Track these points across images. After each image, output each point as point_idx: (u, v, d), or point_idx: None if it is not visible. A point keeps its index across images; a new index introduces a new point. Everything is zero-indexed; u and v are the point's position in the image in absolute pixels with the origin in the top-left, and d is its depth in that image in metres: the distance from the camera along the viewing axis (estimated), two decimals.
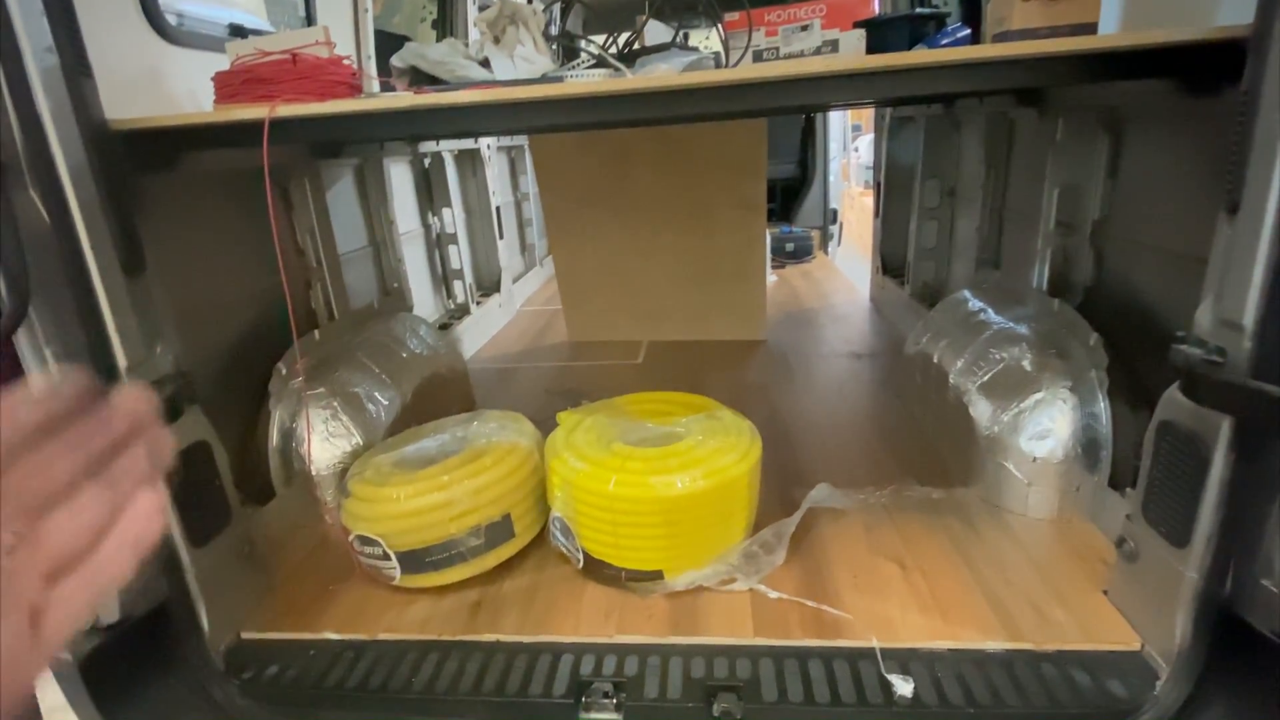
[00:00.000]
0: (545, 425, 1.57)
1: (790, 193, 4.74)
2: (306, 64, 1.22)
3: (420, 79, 1.26)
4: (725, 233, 2.72)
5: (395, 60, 1.27)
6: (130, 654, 1.14)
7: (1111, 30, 1.23)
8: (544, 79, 1.20)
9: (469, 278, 3.03)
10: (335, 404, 1.65)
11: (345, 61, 1.33)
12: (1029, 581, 1.29)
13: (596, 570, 1.33)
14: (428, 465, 1.40)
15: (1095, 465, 1.42)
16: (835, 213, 4.61)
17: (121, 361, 1.09)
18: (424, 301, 2.74)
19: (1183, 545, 1.03)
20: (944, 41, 1.25)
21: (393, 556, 1.31)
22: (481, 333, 3.12)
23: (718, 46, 1.51)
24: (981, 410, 1.54)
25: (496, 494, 1.36)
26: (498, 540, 1.37)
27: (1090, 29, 1.03)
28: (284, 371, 1.63)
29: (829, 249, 4.68)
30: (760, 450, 1.36)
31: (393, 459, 1.45)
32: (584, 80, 1.12)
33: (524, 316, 3.57)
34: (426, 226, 2.82)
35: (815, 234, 4.52)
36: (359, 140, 2.08)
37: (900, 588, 1.28)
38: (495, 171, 3.40)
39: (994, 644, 1.14)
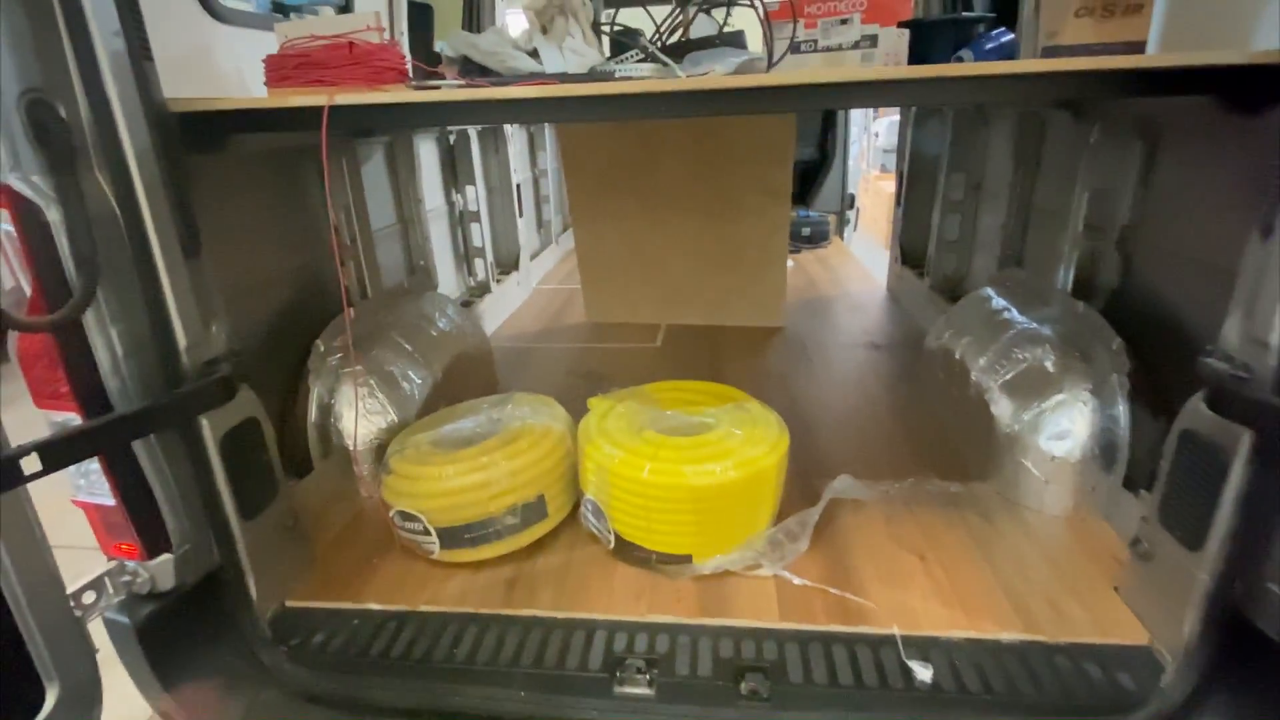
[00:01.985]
0: (569, 407, 1.61)
1: (809, 176, 4.72)
2: (360, 50, 1.24)
3: (470, 68, 1.27)
4: (748, 219, 2.74)
5: (445, 49, 1.29)
6: (183, 620, 1.20)
7: (1151, 44, 1.24)
8: (593, 73, 1.22)
9: (490, 256, 3.05)
10: (372, 382, 1.69)
11: (392, 45, 1.34)
12: (1044, 576, 1.34)
13: (627, 552, 1.38)
14: (465, 446, 1.44)
15: (1112, 466, 1.46)
16: (852, 198, 4.60)
17: (181, 341, 1.12)
18: (446, 279, 2.77)
19: (1196, 549, 1.08)
20: (988, 46, 1.26)
21: (433, 532, 1.37)
22: (500, 311, 3.15)
23: (751, 24, 1.51)
24: (1003, 408, 1.58)
25: (532, 475, 1.40)
26: (532, 519, 1.42)
27: (1140, 47, 1.04)
28: (322, 348, 1.67)
29: (845, 235, 4.68)
30: (787, 443, 1.40)
31: (431, 438, 1.49)
32: (638, 80, 1.14)
33: (541, 295, 3.60)
34: (450, 204, 2.84)
35: (831, 219, 4.52)
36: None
37: (921, 579, 1.33)
38: (516, 148, 3.40)
39: (1010, 635, 1.20)
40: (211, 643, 1.25)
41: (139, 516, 1.14)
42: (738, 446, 1.35)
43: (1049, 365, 1.54)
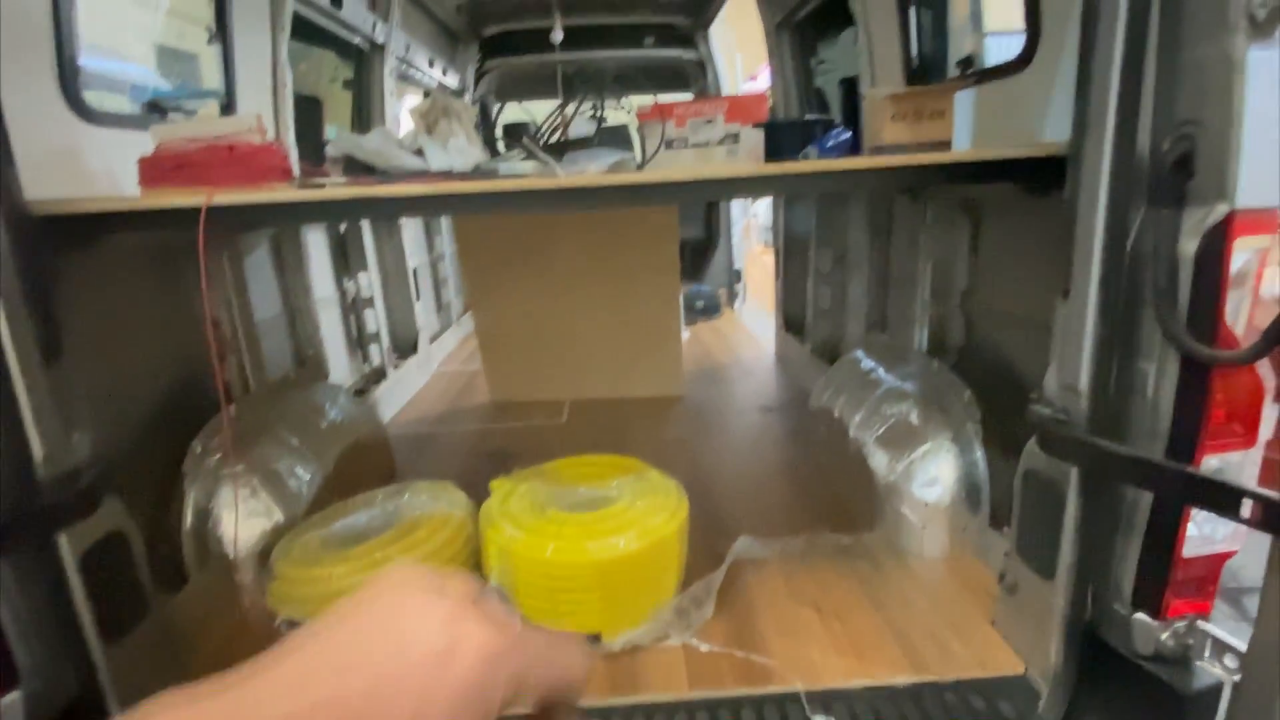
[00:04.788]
0: (473, 490, 1.60)
1: (698, 253, 5.01)
2: (240, 152, 1.25)
3: (355, 167, 1.31)
4: (642, 295, 2.86)
5: (330, 149, 1.33)
6: None
7: (965, 138, 1.46)
8: (477, 170, 1.29)
9: (385, 341, 3.01)
10: (254, 481, 1.60)
11: (275, 145, 1.36)
12: (929, 617, 1.43)
13: None
14: (359, 542, 1.40)
15: (977, 507, 1.61)
16: (739, 273, 4.92)
17: (37, 452, 1.05)
18: (339, 367, 2.70)
19: (1050, 577, 1.20)
20: (829, 143, 1.44)
21: None
22: (400, 396, 3.08)
23: (628, 117, 1.65)
24: (879, 461, 1.71)
25: (431, 567, 1.36)
26: None
27: (946, 145, 1.24)
28: (199, 449, 1.58)
29: (735, 306, 4.95)
30: (687, 508, 1.45)
31: (321, 536, 1.43)
32: (519, 177, 1.21)
33: (443, 377, 3.55)
34: (342, 291, 2.80)
35: (722, 292, 4.79)
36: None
37: (819, 631, 1.39)
38: (411, 233, 3.41)
39: (903, 679, 1.26)
40: None
41: None
42: (639, 517, 1.38)
43: (914, 419, 1.69)
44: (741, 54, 4.46)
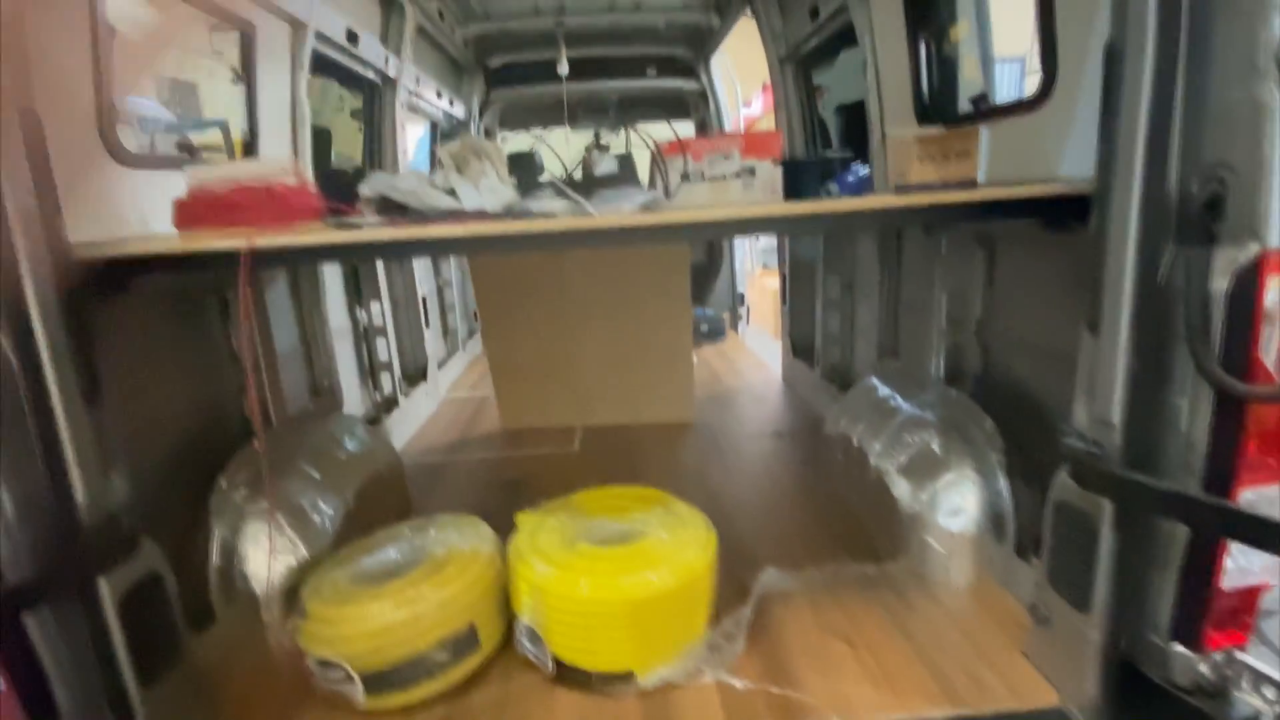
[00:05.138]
0: (491, 521, 1.59)
1: (702, 277, 5.06)
2: (278, 192, 1.27)
3: (389, 207, 1.33)
4: (653, 321, 2.88)
5: (364, 189, 1.34)
6: None
7: (980, 173, 1.49)
8: (510, 210, 1.31)
9: (397, 369, 3.01)
10: (280, 517, 1.60)
11: (308, 186, 1.38)
12: (959, 647, 1.43)
13: (567, 675, 1.35)
14: (388, 579, 1.39)
15: (1002, 536, 1.61)
16: (742, 296, 4.96)
17: (80, 494, 1.05)
18: (351, 397, 2.69)
19: (1085, 609, 1.20)
20: (850, 179, 1.47)
21: (356, 679, 1.28)
22: (410, 424, 3.08)
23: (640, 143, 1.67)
24: (902, 490, 1.72)
25: (463, 604, 1.36)
26: (463, 652, 1.37)
27: (972, 183, 1.26)
28: (225, 485, 1.58)
29: (739, 329, 4.99)
30: (716, 541, 1.45)
31: (350, 574, 1.43)
32: (556, 218, 1.23)
33: (451, 405, 3.55)
34: (354, 321, 2.80)
35: (726, 315, 4.83)
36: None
37: (851, 665, 1.39)
38: (420, 262, 3.44)
39: (939, 712, 1.26)
40: None
41: (28, 697, 1.01)
42: (670, 551, 1.38)
43: (935, 447, 1.70)
44: (740, 83, 4.54)
